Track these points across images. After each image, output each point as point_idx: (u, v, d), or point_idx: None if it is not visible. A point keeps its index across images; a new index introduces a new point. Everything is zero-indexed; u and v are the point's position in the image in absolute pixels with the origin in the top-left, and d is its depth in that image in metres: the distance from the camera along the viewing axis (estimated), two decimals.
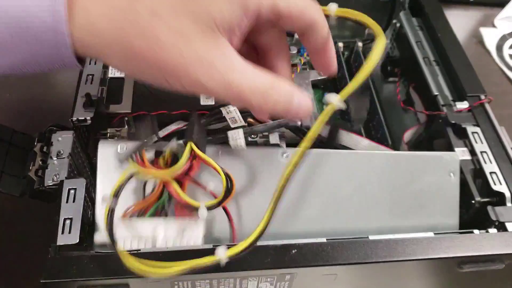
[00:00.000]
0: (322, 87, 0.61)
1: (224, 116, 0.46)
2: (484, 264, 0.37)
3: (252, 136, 0.50)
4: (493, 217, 0.39)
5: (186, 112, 0.47)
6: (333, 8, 0.35)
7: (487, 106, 0.47)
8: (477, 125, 0.45)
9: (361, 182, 0.40)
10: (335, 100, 0.32)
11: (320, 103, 0.60)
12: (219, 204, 0.34)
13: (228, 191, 0.34)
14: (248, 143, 0.50)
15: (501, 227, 0.38)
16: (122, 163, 0.35)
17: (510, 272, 0.38)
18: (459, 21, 0.78)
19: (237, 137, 0.45)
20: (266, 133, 0.50)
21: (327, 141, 0.48)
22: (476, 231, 0.38)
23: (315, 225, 0.38)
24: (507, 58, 0.73)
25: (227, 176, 0.34)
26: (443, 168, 0.40)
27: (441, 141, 0.46)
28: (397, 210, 0.40)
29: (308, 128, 0.49)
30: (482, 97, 0.47)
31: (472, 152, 0.43)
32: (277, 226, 0.37)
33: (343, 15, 0.36)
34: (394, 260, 0.35)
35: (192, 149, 0.36)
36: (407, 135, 0.52)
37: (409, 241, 0.36)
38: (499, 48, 0.75)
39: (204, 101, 0.48)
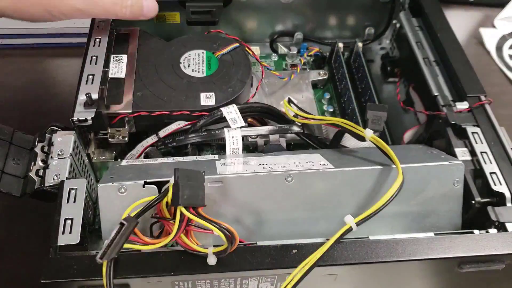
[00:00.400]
0: (322, 87, 0.62)
1: (225, 117, 0.46)
2: (484, 264, 0.37)
3: (253, 136, 0.50)
4: (493, 218, 0.38)
5: (187, 113, 0.47)
6: (368, 133, 0.40)
7: (487, 107, 0.46)
8: (477, 126, 0.45)
9: (365, 196, 0.40)
10: (351, 222, 0.35)
11: (320, 103, 0.60)
12: (226, 251, 0.34)
13: (231, 243, 0.33)
14: (248, 144, 0.50)
15: (501, 227, 0.38)
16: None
17: (510, 272, 0.38)
18: (459, 21, 0.78)
19: (235, 140, 0.45)
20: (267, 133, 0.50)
21: (330, 144, 0.48)
22: (476, 231, 0.38)
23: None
24: (507, 59, 0.73)
25: (227, 232, 0.33)
26: (447, 177, 0.40)
27: (441, 142, 0.46)
28: (401, 222, 0.40)
29: (310, 135, 0.49)
30: (482, 97, 0.47)
31: (472, 152, 0.43)
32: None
33: (374, 142, 0.40)
34: (394, 260, 0.35)
35: (183, 214, 0.33)
36: (407, 136, 0.53)
37: (409, 241, 0.36)
38: (499, 48, 0.74)
39: (205, 102, 0.48)
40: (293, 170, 0.39)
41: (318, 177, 0.39)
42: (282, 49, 0.64)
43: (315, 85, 0.61)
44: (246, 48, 0.55)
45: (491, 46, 0.75)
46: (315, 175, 0.39)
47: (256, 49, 0.62)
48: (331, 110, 0.59)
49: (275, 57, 0.64)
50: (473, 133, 0.44)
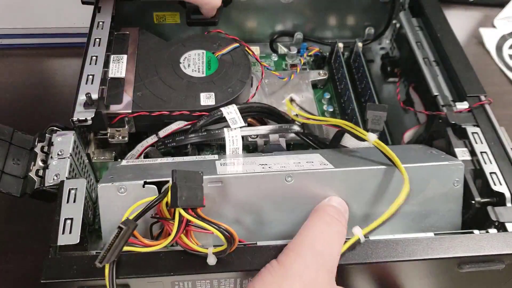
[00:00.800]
0: (322, 87, 0.61)
1: (224, 117, 0.46)
2: (484, 264, 0.37)
3: (252, 136, 0.50)
4: (493, 218, 0.38)
5: (187, 113, 0.47)
6: (372, 137, 0.40)
7: (487, 107, 0.46)
8: (477, 126, 0.45)
9: (365, 197, 0.40)
10: (359, 234, 0.35)
11: (320, 103, 0.60)
12: (225, 252, 0.34)
13: (230, 244, 0.33)
14: (248, 144, 0.50)
15: (501, 227, 0.38)
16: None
17: (510, 272, 0.38)
18: (459, 21, 0.78)
19: (234, 140, 0.45)
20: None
21: (330, 144, 0.48)
22: (476, 231, 0.38)
23: None
24: (507, 58, 0.73)
25: (226, 232, 0.33)
26: (447, 177, 0.40)
27: (441, 142, 0.46)
28: (401, 222, 0.40)
29: (310, 135, 0.49)
30: (482, 97, 0.47)
31: (472, 152, 0.43)
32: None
33: (378, 146, 0.40)
34: (394, 260, 0.35)
35: (181, 216, 0.33)
36: (407, 136, 0.53)
37: (409, 241, 0.36)
38: (499, 48, 0.75)
39: (205, 102, 0.48)
40: (293, 170, 0.39)
41: (318, 177, 0.39)
42: (282, 49, 0.64)
43: (315, 85, 0.61)
44: (246, 48, 0.55)
45: (491, 46, 0.75)
46: (315, 175, 0.39)
47: (256, 49, 0.62)
48: (331, 110, 0.59)
49: (275, 57, 0.64)
50: (473, 133, 0.44)
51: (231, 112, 0.47)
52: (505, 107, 0.67)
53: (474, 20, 0.80)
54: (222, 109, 0.46)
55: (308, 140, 0.49)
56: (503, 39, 0.76)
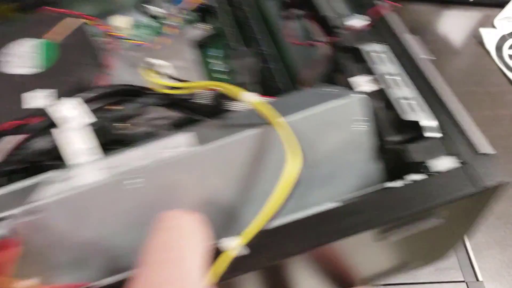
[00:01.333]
0: (208, 44, 0.50)
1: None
2: (414, 226, 0.27)
3: (118, 126, 0.39)
4: (409, 158, 0.28)
5: (19, 123, 0.36)
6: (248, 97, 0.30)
7: (391, 15, 0.36)
8: (380, 43, 0.34)
9: (246, 177, 0.29)
10: (235, 246, 0.24)
11: (209, 63, 0.49)
12: None
13: None
14: (120, 138, 0.40)
15: (424, 169, 0.28)
16: None
17: (457, 224, 0.28)
18: (459, 21, 0.77)
19: (72, 142, 0.34)
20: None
21: (213, 109, 0.38)
22: (389, 184, 0.27)
23: None
24: (507, 59, 0.71)
25: None
26: (344, 119, 0.30)
27: (340, 74, 0.35)
28: (301, 196, 0.30)
29: (186, 105, 0.39)
30: (384, 4, 0.36)
31: (375, 79, 0.32)
32: None
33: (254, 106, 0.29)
34: (281, 258, 0.25)
35: None
36: (304, 75, 0.42)
37: (293, 226, 0.26)
38: (499, 48, 0.73)
39: (39, 102, 0.37)
40: (140, 167, 0.29)
41: (176, 166, 0.29)
42: (157, 11, 0.53)
43: (203, 44, 0.50)
44: (90, 22, 0.44)
45: (491, 46, 0.72)
46: (171, 166, 0.29)
47: (125, 20, 0.51)
48: (226, 70, 0.48)
49: (154, 23, 0.52)
50: (371, 53, 0.33)
51: (68, 108, 0.36)
52: (505, 107, 0.64)
53: (474, 20, 0.78)
54: (48, 108, 0.35)
55: (184, 114, 0.39)
56: (503, 39, 0.74)
